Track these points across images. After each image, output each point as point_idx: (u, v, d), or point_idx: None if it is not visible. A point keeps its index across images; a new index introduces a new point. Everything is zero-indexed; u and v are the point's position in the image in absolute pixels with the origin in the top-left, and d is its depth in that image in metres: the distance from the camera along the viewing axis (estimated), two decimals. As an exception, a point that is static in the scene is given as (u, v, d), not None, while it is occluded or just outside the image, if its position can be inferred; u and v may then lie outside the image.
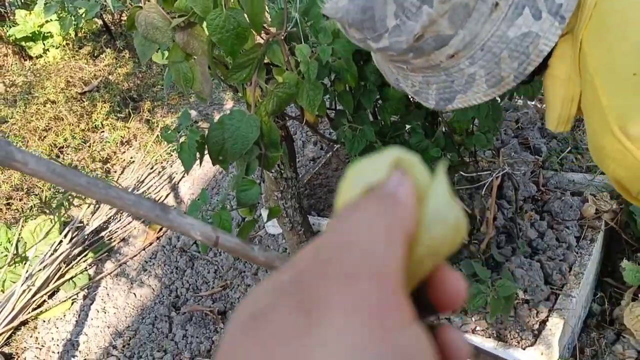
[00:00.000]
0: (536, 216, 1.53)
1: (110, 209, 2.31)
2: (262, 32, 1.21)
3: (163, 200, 2.29)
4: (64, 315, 1.95)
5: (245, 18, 1.06)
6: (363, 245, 0.20)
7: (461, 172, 1.37)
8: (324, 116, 1.29)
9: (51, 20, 3.14)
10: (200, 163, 1.14)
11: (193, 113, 2.64)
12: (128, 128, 2.59)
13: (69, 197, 2.28)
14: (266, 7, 1.42)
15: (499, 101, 1.30)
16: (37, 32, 3.22)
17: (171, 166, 2.40)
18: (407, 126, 1.39)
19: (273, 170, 1.46)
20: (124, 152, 2.51)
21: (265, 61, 1.21)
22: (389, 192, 0.23)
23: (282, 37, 1.17)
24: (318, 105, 1.17)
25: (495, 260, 1.42)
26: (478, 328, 1.39)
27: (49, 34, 3.18)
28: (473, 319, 1.40)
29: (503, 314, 1.32)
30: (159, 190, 2.32)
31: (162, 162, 2.43)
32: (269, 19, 1.31)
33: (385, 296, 0.19)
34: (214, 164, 1.14)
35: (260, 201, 2.10)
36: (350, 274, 0.19)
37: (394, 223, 0.22)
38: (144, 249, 2.09)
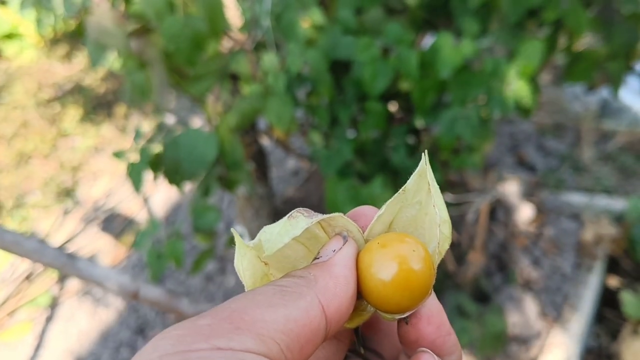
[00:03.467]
0: (530, 241, 1.41)
1: (79, 222, 2.18)
2: (228, 39, 1.10)
3: (135, 215, 2.16)
4: (24, 338, 1.81)
5: (203, 25, 0.94)
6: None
7: (448, 193, 1.25)
8: (295, 132, 1.17)
9: (27, 20, 3.01)
10: (155, 181, 1.02)
11: (171, 119, 2.51)
12: (100, 135, 2.46)
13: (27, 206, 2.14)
14: (239, 10, 1.30)
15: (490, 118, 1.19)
16: (13, 33, 3.08)
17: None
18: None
19: (245, 187, 1.34)
20: (96, 160, 2.38)
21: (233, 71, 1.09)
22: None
23: (250, 45, 1.05)
24: (288, 121, 1.05)
25: (484, 291, 1.30)
26: (464, 365, 1.27)
27: (24, 35, 3.05)
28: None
29: (492, 351, 1.20)
30: (131, 204, 2.20)
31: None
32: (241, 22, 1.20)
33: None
34: (170, 184, 1.02)
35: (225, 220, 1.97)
36: None
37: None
38: (112, 267, 1.96)
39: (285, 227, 0.23)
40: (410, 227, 0.25)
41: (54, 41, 2.98)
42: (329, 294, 0.22)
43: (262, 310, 0.20)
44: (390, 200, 0.25)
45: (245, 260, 0.24)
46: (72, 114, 2.54)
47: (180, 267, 0.96)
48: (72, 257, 0.53)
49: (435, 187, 0.25)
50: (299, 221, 0.24)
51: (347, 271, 0.23)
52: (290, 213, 0.24)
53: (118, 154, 0.98)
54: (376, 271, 0.23)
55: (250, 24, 1.05)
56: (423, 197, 0.25)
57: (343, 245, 0.24)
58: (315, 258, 0.24)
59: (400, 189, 0.25)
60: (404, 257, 0.23)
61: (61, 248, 0.50)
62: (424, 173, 0.25)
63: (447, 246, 0.25)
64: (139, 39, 1.03)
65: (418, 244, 0.24)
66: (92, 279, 0.52)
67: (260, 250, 0.24)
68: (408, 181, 0.25)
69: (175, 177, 0.98)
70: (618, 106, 1.73)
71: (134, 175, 0.96)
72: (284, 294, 0.21)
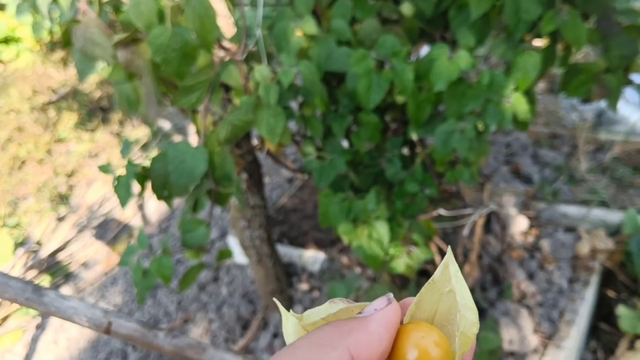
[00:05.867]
0: (525, 254, 1.39)
1: (73, 228, 2.16)
2: (219, 49, 1.08)
3: (129, 221, 2.14)
4: (14, 346, 1.79)
5: (193, 35, 0.92)
6: None
7: (442, 209, 1.23)
8: (288, 145, 1.15)
9: (24, 24, 2.99)
10: (141, 195, 1.00)
11: (167, 125, 2.49)
12: (95, 140, 2.43)
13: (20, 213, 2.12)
14: (231, 19, 1.29)
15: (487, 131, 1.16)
16: (9, 37, 3.07)
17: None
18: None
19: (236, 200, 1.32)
20: (91, 166, 2.36)
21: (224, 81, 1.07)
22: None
23: (242, 56, 1.03)
24: (280, 134, 1.03)
25: (479, 306, 1.28)
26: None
27: (21, 39, 3.03)
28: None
29: (486, 367, 1.18)
30: (125, 210, 2.17)
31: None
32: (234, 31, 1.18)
33: None
34: (158, 199, 1.00)
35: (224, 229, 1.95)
36: None
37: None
38: (105, 274, 1.94)
39: (326, 306, 0.27)
40: (451, 315, 0.28)
41: (51, 45, 2.95)
42: (360, 346, 0.23)
43: None
44: (422, 290, 0.28)
45: (289, 325, 0.28)
46: (67, 119, 2.52)
47: (168, 284, 0.94)
48: (38, 290, 0.51)
49: (458, 278, 0.27)
50: (338, 304, 0.27)
51: (382, 329, 0.24)
52: (331, 299, 0.28)
53: (104, 168, 0.96)
54: (397, 355, 0.26)
55: (241, 34, 1.02)
56: (454, 286, 0.28)
57: (386, 306, 0.25)
58: (359, 313, 0.26)
59: (430, 279, 0.28)
60: (419, 344, 0.26)
61: (27, 281, 0.48)
62: (447, 265, 0.28)
63: (475, 330, 0.27)
64: (127, 48, 1.01)
65: (433, 331, 0.27)
66: (60, 314, 0.50)
67: (302, 319, 0.28)
68: (435, 272, 0.28)
69: (162, 192, 0.96)
70: (615, 117, 1.72)
71: (120, 189, 0.94)
72: (319, 347, 0.23)
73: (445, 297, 0.28)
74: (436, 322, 0.29)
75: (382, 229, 1.07)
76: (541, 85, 1.91)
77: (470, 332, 0.27)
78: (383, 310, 0.25)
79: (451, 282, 0.28)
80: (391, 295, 0.26)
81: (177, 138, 2.39)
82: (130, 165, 0.94)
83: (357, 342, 0.23)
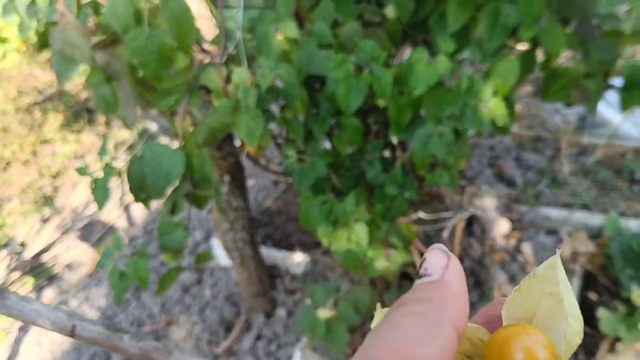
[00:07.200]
0: (507, 257, 1.39)
1: (57, 229, 2.15)
2: (199, 52, 1.08)
3: (114, 222, 2.13)
4: (-4, 349, 1.78)
5: (170, 38, 0.92)
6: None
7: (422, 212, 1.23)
8: (268, 147, 1.15)
9: (10, 23, 2.97)
10: (121, 198, 1.00)
11: (153, 126, 2.48)
12: (81, 142, 2.42)
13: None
14: (213, 20, 1.28)
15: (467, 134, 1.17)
16: (-4, 36, 3.05)
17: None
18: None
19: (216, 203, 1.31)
20: (76, 167, 2.35)
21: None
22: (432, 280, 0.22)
23: (221, 58, 1.03)
24: (258, 137, 1.03)
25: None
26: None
27: (7, 38, 3.01)
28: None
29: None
30: (111, 211, 2.17)
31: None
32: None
33: None
34: (135, 201, 0.99)
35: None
36: None
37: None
38: (89, 276, 1.93)
39: None
40: (552, 320, 0.27)
41: (38, 46, 2.94)
42: (456, 314, 0.21)
43: (423, 349, 0.20)
44: (521, 284, 0.27)
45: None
46: (53, 120, 2.50)
47: (145, 286, 0.94)
48: (0, 293, 0.51)
49: (565, 284, 0.26)
50: None
51: (462, 287, 0.22)
52: None
53: (81, 170, 0.96)
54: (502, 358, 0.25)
55: (222, 36, 1.02)
56: (555, 289, 0.26)
57: (448, 261, 0.23)
58: (421, 275, 0.23)
59: (530, 274, 0.27)
60: (527, 347, 0.24)
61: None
62: (554, 267, 0.26)
63: (578, 340, 0.26)
64: (105, 51, 1.01)
65: (540, 333, 0.25)
66: (23, 317, 0.50)
67: None
68: (538, 267, 0.26)
69: (140, 194, 0.96)
70: (598, 120, 1.73)
71: (98, 191, 0.93)
72: (426, 324, 0.21)
73: (545, 298, 0.27)
74: (534, 324, 0.27)
75: (360, 232, 1.08)
76: (526, 89, 1.93)
77: (574, 342, 0.26)
78: (451, 267, 0.23)
79: (554, 285, 0.27)
80: (441, 245, 0.24)
81: (163, 140, 2.38)
82: (107, 167, 0.93)
83: (452, 312, 0.21)
